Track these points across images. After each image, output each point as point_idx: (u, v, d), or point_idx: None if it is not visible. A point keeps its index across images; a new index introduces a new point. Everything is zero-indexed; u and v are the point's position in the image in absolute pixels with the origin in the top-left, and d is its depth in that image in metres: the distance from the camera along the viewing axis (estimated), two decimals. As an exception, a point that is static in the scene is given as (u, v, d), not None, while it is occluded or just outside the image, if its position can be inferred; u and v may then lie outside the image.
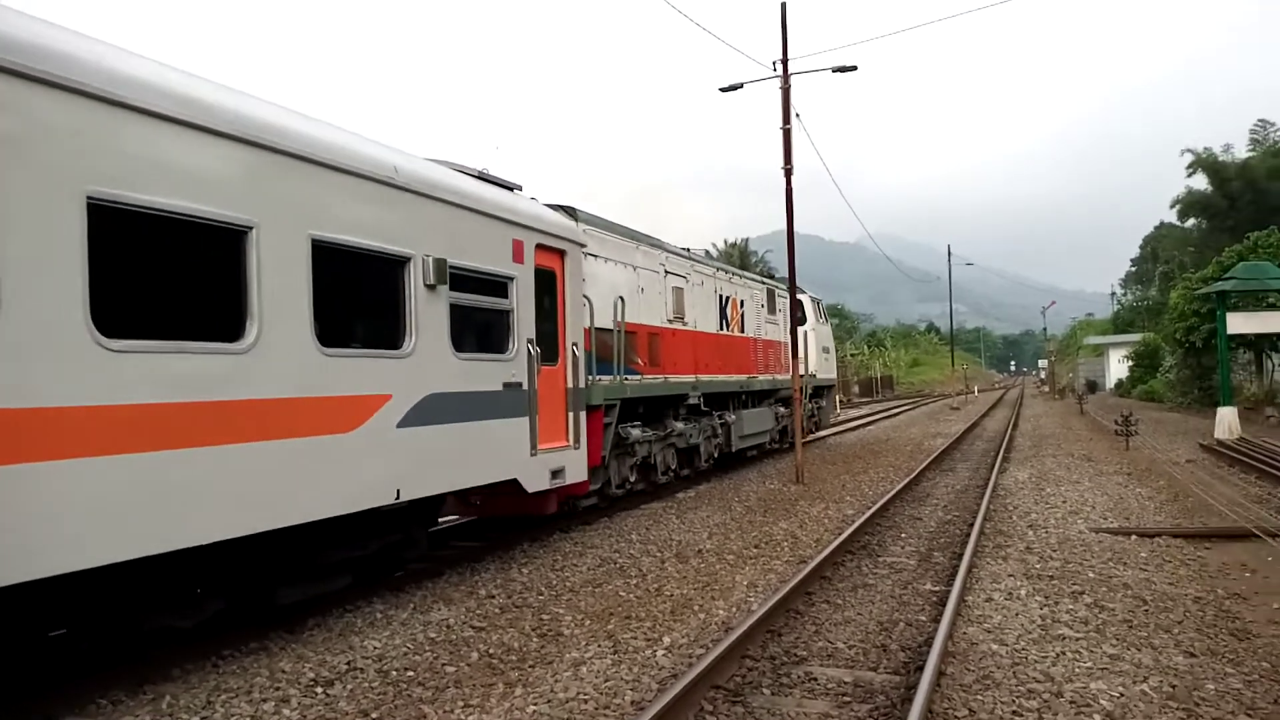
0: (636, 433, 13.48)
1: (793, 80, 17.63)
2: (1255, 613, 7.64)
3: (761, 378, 19.53)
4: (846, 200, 28.55)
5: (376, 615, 7.88)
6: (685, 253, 16.62)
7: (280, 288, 6.55)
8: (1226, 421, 22.74)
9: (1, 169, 4.81)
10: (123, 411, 5.40)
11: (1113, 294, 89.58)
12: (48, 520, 4.95)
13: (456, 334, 8.57)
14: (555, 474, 10.28)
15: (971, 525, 11.06)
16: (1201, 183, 51.26)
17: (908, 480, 15.65)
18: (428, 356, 8.15)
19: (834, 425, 26.88)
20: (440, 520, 10.86)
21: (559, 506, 10.99)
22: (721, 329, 17.57)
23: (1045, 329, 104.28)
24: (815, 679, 6.03)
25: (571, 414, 10.79)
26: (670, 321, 14.96)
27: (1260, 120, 54.45)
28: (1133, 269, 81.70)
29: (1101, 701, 5.47)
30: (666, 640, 6.92)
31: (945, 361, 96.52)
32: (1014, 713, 5.32)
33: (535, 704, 5.63)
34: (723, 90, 19.24)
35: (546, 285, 10.44)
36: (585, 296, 11.51)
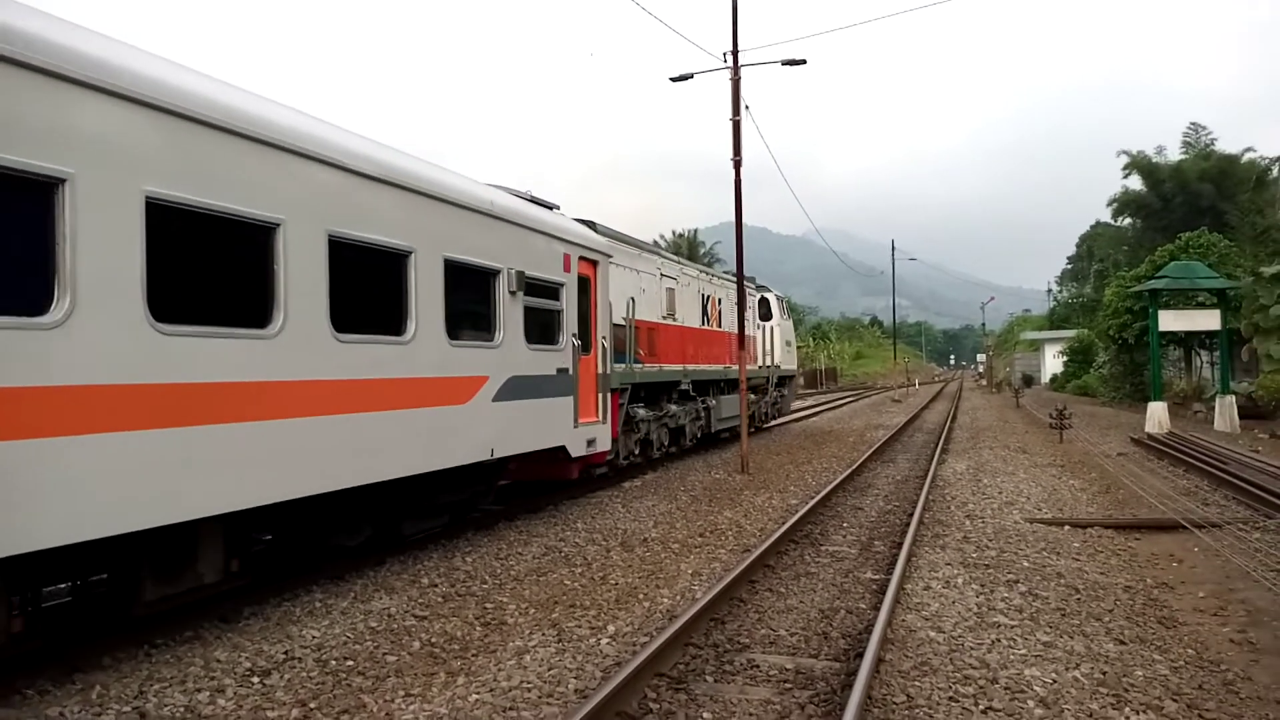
0: (642, 412, 15.89)
1: (743, 72, 17.69)
2: (1182, 601, 7.90)
3: (734, 368, 20.46)
4: (794, 193, 28.75)
5: (315, 604, 7.74)
6: (677, 259, 19.37)
7: (427, 298, 8.81)
8: (1157, 416, 23.43)
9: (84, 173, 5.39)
10: (369, 385, 7.98)
11: (1049, 291, 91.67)
12: (293, 456, 7.09)
13: (528, 329, 10.75)
14: (590, 443, 12.51)
15: (911, 515, 11.24)
16: (1137, 183, 52.66)
17: (850, 471, 15.86)
18: (510, 347, 10.42)
19: (778, 417, 28.22)
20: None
21: (578, 475, 12.92)
22: (704, 324, 20.00)
23: (984, 324, 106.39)
24: (758, 666, 6.08)
25: (600, 395, 12.99)
26: (665, 318, 17.41)
27: (1192, 123, 56.08)
28: (1069, 266, 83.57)
29: (1035, 688, 5.60)
30: (611, 628, 6.92)
31: (888, 354, 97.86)
32: (950, 699, 5.42)
33: (478, 693, 5.59)
34: (673, 80, 19.23)
35: (584, 289, 12.62)
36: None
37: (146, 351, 5.83)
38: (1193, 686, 5.79)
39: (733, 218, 18.08)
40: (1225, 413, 23.81)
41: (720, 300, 21.28)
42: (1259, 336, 24.46)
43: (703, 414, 19.49)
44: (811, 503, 12.11)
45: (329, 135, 7.76)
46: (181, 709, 5.42)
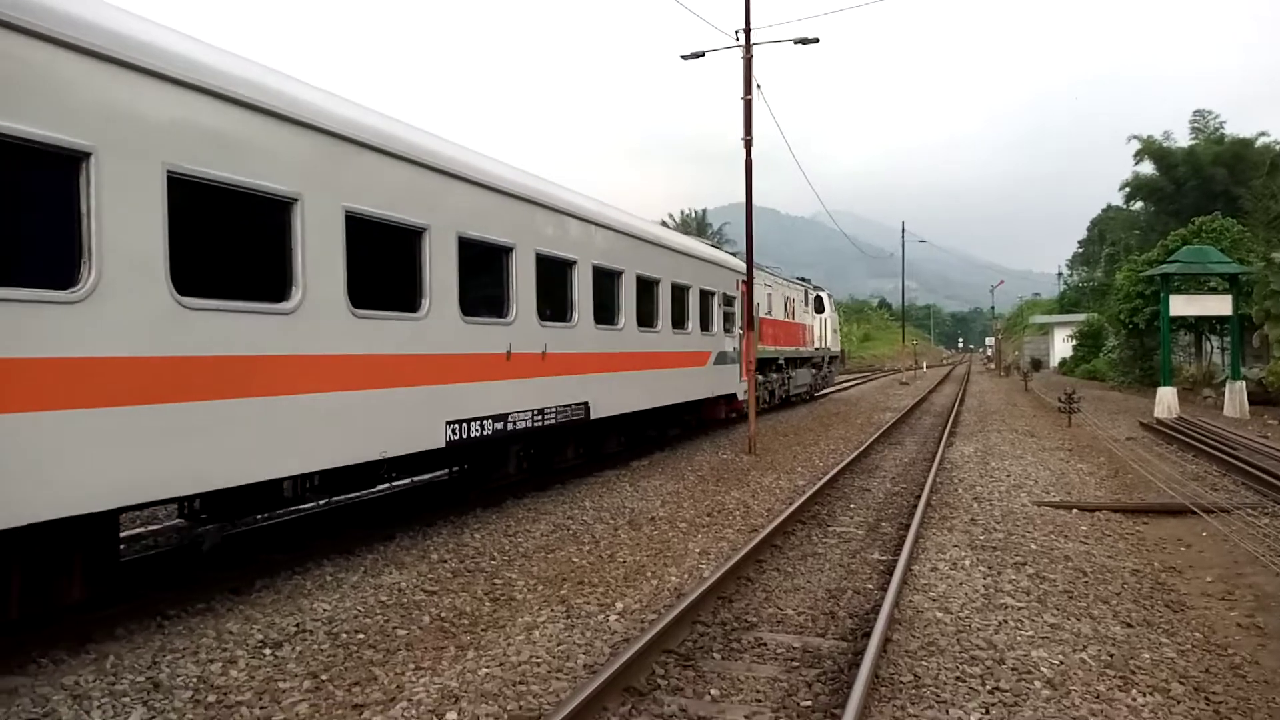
0: (760, 377, 23.00)
1: (755, 51, 17.57)
2: (1189, 585, 7.90)
3: (804, 349, 29.48)
4: (804, 174, 28.61)
5: (326, 578, 7.80)
6: (769, 270, 26.33)
7: (694, 311, 16.97)
8: (1166, 401, 23.35)
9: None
10: (664, 355, 15.53)
11: (1059, 274, 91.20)
12: (641, 391, 14.41)
13: (726, 326, 19.07)
14: (743, 395, 19.23)
15: (918, 497, 11.25)
16: (1149, 168, 52.26)
17: (857, 453, 15.87)
18: (720, 335, 18.65)
19: (825, 387, 36.16)
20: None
21: (725, 415, 20.64)
22: (785, 317, 26.90)
23: (993, 307, 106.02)
24: (765, 644, 6.12)
25: (752, 364, 18.32)
26: (768, 314, 24.23)
27: (1197, 110, 55.54)
28: (1080, 250, 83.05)
29: (1042, 669, 5.62)
30: (619, 605, 6.96)
31: (896, 337, 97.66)
32: (958, 678, 5.45)
33: (487, 666, 5.64)
34: (684, 58, 19.11)
35: (743, 297, 19.68)
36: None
37: (347, 330, 7.82)
38: (1200, 670, 5.80)
39: (742, 199, 18.02)
40: (1235, 398, 23.71)
41: (792, 299, 28.06)
42: (1270, 322, 24.32)
43: (786, 382, 27.17)
44: (819, 484, 12.14)
45: (507, 174, 10.78)
46: (194, 679, 5.48)
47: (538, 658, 5.80)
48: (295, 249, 7.18)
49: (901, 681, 5.39)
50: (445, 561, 8.44)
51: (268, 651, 5.98)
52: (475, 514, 10.67)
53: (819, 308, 31.94)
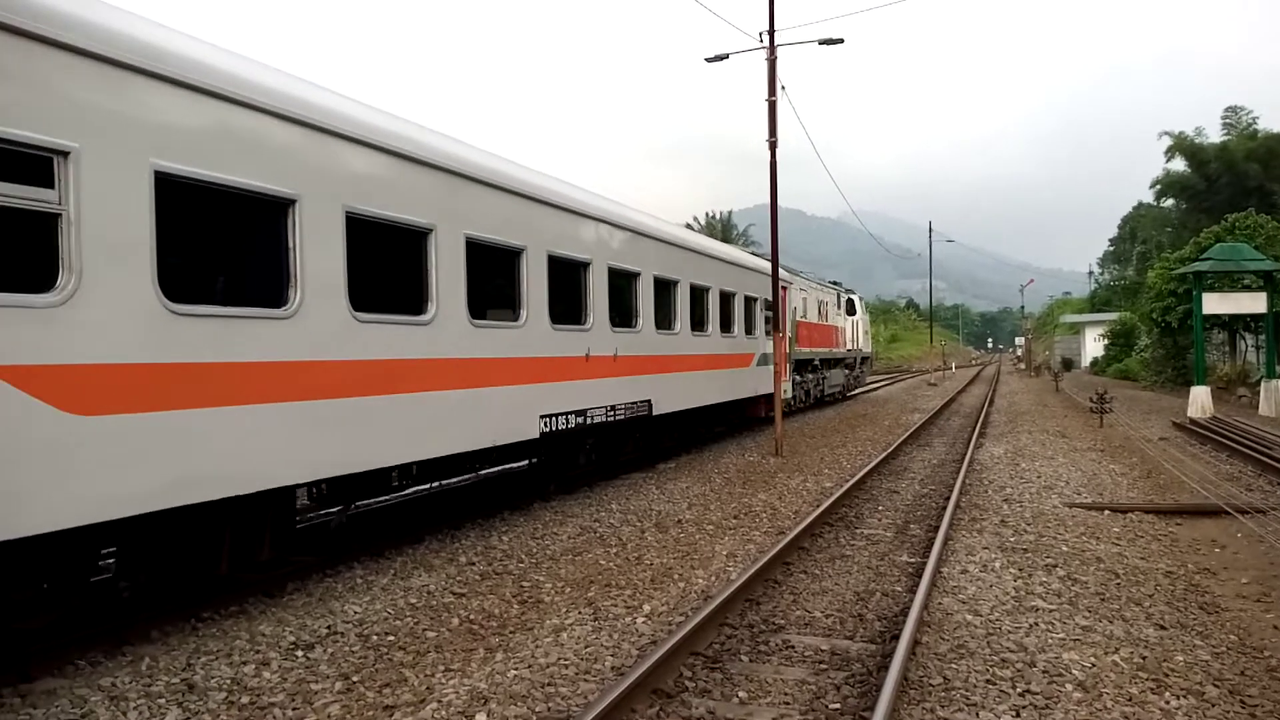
0: (796, 378, 24.43)
1: (779, 52, 17.55)
2: (1224, 587, 7.79)
3: (837, 350, 30.83)
4: (830, 174, 28.52)
5: (356, 580, 7.88)
6: (804, 275, 27.87)
7: (738, 316, 18.30)
8: (1200, 400, 23.02)
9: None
10: (715, 358, 16.88)
11: (1090, 273, 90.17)
12: (692, 390, 15.71)
13: (767, 329, 19.34)
14: (783, 395, 19.57)
15: (948, 499, 11.18)
16: (1180, 165, 51.52)
17: (885, 454, 15.78)
18: (762, 339, 19.74)
19: (858, 387, 37.62)
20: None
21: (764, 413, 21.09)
22: (819, 320, 28.06)
23: (1023, 307, 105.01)
24: (793, 647, 6.11)
25: (788, 365, 20.68)
26: (804, 317, 25.67)
27: (1229, 107, 54.66)
28: (1110, 248, 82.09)
29: (1074, 671, 5.57)
30: (646, 608, 6.98)
31: (923, 338, 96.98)
32: (988, 681, 5.41)
33: (516, 669, 5.67)
34: (708, 60, 19.14)
35: (781, 302, 19.86)
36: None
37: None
38: (1235, 672, 5.72)
39: (767, 200, 17.99)
40: (1271, 397, 23.33)
41: (826, 302, 29.45)
42: (1306, 319, 23.90)
43: (821, 382, 28.40)
44: (846, 486, 12.08)
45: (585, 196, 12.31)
46: (228, 681, 5.56)
47: (566, 660, 5.83)
48: (430, 270, 8.52)
49: (931, 684, 5.37)
50: (473, 564, 8.50)
51: (300, 653, 6.05)
52: (503, 516, 10.73)
53: (850, 310, 33.16)
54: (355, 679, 5.59)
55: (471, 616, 6.86)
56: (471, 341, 9.14)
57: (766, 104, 17.46)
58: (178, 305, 5.96)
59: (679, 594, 7.40)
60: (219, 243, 7.07)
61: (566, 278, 11.34)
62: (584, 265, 11.67)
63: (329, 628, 6.56)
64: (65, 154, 5.28)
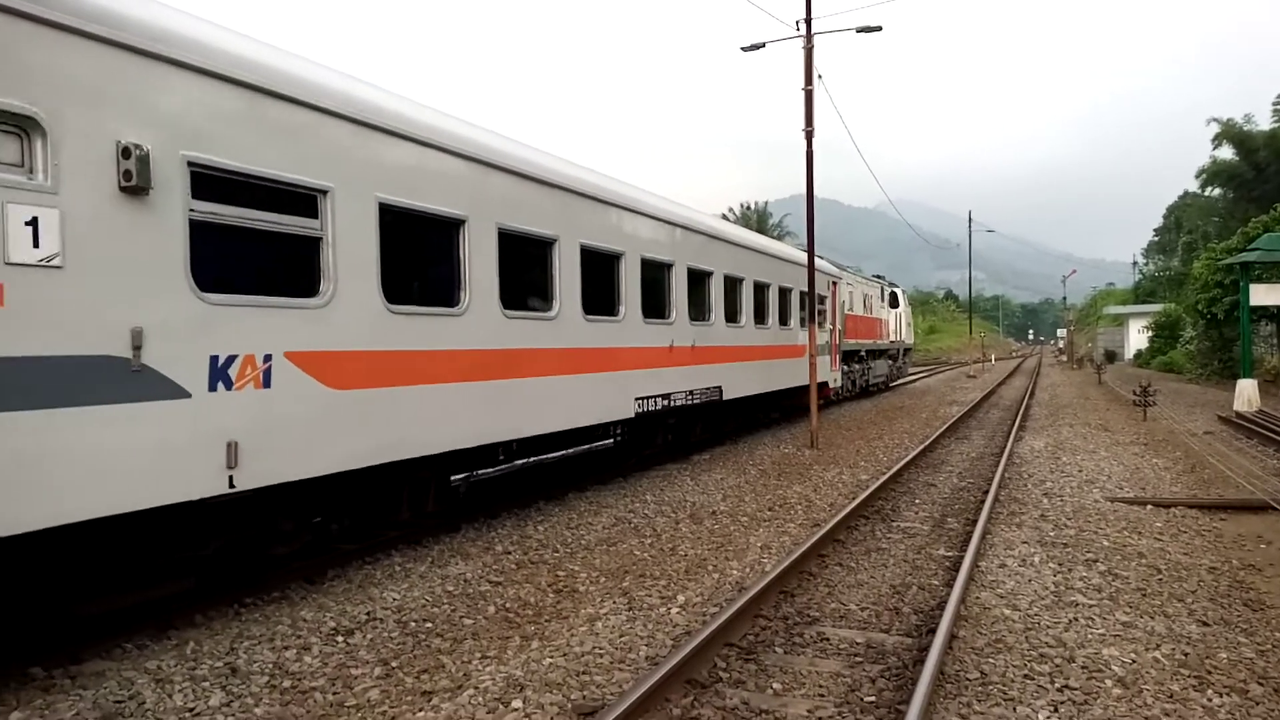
0: (844, 368, 25.53)
1: (816, 41, 17.40)
2: (1270, 584, 7.65)
3: (881, 342, 31.73)
4: (867, 164, 28.27)
5: (395, 568, 7.99)
6: (849, 269, 28.62)
7: (790, 310, 19.81)
8: (1246, 394, 22.55)
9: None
10: (779, 348, 18.88)
11: (1134, 263, 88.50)
12: (749, 379, 17.02)
13: (820, 320, 19.91)
14: (834, 383, 23.22)
15: (986, 492, 11.07)
16: (1227, 153, 50.33)
17: (922, 447, 15.65)
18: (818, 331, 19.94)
19: (900, 378, 38.84)
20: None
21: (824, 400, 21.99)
22: (864, 313, 29.02)
23: (1065, 298, 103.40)
24: (828, 639, 6.10)
25: (839, 355, 22.82)
26: (850, 310, 26.47)
27: (1280, 95, 53.17)
28: (1155, 239, 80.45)
29: (1114, 667, 5.51)
30: (681, 598, 7.00)
31: (962, 329, 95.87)
32: (1025, 676, 5.37)
33: (551, 657, 5.72)
34: (744, 50, 19.02)
35: (832, 296, 23.04)
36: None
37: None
38: (1280, 671, 5.62)
39: (803, 190, 17.88)
40: (1321, 391, 22.81)
41: (870, 295, 30.54)
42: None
43: (866, 372, 29.44)
44: (883, 478, 12.01)
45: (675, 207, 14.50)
46: (270, 665, 5.66)
47: (600, 648, 5.87)
48: (555, 274, 10.20)
49: (968, 678, 5.34)
50: (509, 553, 8.57)
51: (340, 639, 6.15)
52: (538, 506, 10.80)
53: (894, 303, 34.60)
54: (394, 665, 5.68)
55: (508, 605, 6.92)
56: (586, 334, 10.77)
57: (803, 92, 17.33)
58: (394, 306, 7.64)
59: (713, 585, 7.41)
60: (415, 255, 8.37)
61: (655, 277, 12.94)
62: (668, 266, 13.24)
63: (368, 614, 6.66)
64: (325, 192, 6.93)
